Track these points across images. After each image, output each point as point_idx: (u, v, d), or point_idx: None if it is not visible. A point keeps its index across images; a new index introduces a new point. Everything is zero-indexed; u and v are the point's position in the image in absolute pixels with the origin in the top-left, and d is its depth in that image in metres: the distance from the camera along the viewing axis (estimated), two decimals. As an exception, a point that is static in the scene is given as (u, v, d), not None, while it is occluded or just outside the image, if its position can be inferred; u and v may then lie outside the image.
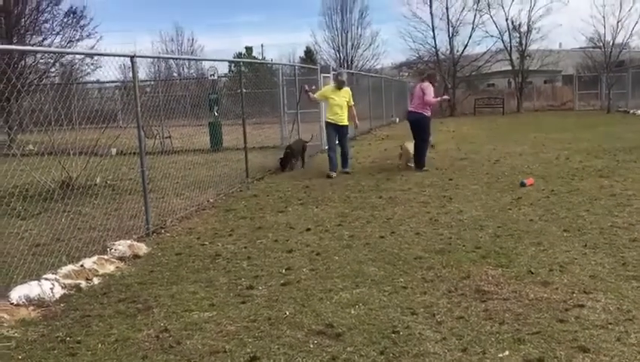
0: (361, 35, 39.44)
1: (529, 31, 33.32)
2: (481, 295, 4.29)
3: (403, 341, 3.59)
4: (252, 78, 18.72)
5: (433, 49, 34.68)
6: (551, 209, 7.00)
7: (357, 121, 11.50)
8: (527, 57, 34.02)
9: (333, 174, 10.44)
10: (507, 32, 33.52)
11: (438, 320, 3.89)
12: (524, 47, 33.71)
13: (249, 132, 11.00)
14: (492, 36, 33.91)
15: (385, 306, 4.19)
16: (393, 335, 3.69)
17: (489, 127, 21.45)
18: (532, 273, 4.71)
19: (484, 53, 34.52)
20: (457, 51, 34.51)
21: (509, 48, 33.74)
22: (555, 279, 4.55)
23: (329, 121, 10.85)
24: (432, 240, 5.88)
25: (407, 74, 40.23)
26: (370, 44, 39.55)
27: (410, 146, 11.05)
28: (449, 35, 34.22)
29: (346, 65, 37.45)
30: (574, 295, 4.20)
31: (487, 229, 6.21)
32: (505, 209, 7.15)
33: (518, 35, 33.57)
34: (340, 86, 10.85)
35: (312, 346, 3.61)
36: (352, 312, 4.11)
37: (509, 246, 5.51)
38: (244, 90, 11.14)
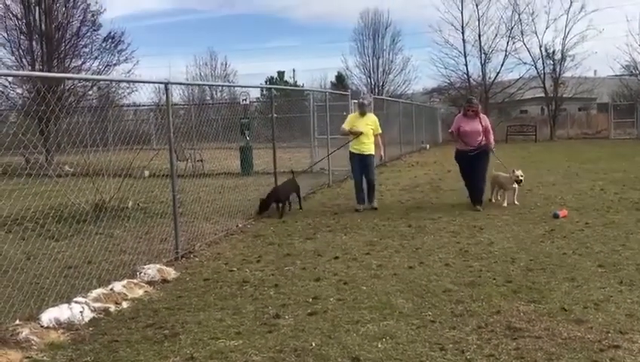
0: (392, 61, 39.61)
1: (563, 58, 32.97)
2: (513, 332, 4.19)
3: (431, 378, 3.52)
4: (283, 102, 18.94)
5: (465, 75, 34.57)
6: (585, 243, 6.83)
7: (382, 152, 10.38)
8: (561, 85, 33.63)
9: (361, 207, 9.70)
10: (541, 59, 33.25)
11: (468, 357, 3.80)
12: (557, 74, 33.35)
13: (279, 156, 11.08)
14: (525, 63, 33.66)
15: (413, 341, 4.12)
16: (422, 372, 3.62)
17: (521, 155, 21.15)
18: (565, 310, 4.58)
19: (517, 80, 34.24)
20: (489, 78, 34.34)
21: (542, 75, 33.40)
22: (589, 317, 4.42)
23: (352, 151, 9.94)
24: (461, 272, 5.79)
25: (438, 100, 40.09)
26: (401, 70, 39.68)
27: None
28: (481, 62, 34.13)
29: (377, 90, 37.56)
30: (609, 334, 4.07)
31: (518, 262, 6.09)
32: (537, 241, 7.01)
33: (551, 63, 33.26)
34: (363, 112, 9.95)
35: (337, 380, 3.56)
36: (379, 346, 4.06)
37: (542, 281, 5.38)
38: (275, 115, 11.25)
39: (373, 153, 9.94)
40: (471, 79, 34.50)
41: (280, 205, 9.28)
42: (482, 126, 9.36)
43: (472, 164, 9.37)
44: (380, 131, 10.15)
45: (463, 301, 4.91)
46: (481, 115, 9.53)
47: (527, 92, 34.70)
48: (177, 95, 37.74)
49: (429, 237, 7.43)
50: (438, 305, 4.85)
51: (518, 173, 9.49)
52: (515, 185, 9.56)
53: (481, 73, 34.28)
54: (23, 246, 7.22)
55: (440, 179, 13.91)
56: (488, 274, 5.72)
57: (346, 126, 9.96)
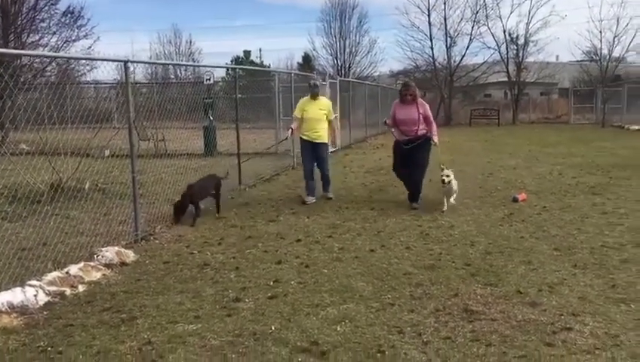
0: (359, 43, 39.52)
1: (526, 43, 33.45)
2: (469, 315, 4.25)
3: (388, 361, 3.55)
4: (248, 82, 18.70)
5: (430, 58, 34.76)
6: (542, 226, 6.98)
7: (335, 139, 9.41)
8: (524, 69, 34.16)
9: (310, 200, 8.72)
10: (504, 44, 33.64)
11: (425, 340, 3.85)
12: (520, 59, 33.83)
13: (243, 137, 10.95)
14: (489, 47, 34.03)
15: (372, 324, 4.15)
16: (378, 355, 3.65)
17: (484, 139, 21.49)
18: (521, 293, 4.68)
19: (482, 64, 34.62)
20: (454, 61, 34.61)
21: (505, 60, 33.85)
22: (543, 300, 4.52)
23: (303, 137, 9.03)
24: (421, 256, 5.85)
25: (401, 82, 40.23)
26: (367, 52, 39.63)
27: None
28: (446, 46, 34.34)
29: (343, 72, 37.47)
30: (562, 317, 4.17)
31: (478, 245, 6.18)
32: (496, 225, 7.13)
33: (515, 47, 33.69)
34: (315, 95, 8.93)
35: (295, 364, 3.57)
36: (339, 329, 4.07)
37: (499, 264, 5.48)
38: (240, 95, 11.12)
39: (326, 141, 9.09)
40: (436, 62, 34.71)
41: (194, 208, 7.62)
42: (419, 113, 8.13)
43: (409, 155, 8.19)
44: (334, 116, 9.44)
45: (422, 284, 4.97)
46: (419, 101, 8.30)
47: (490, 76, 35.12)
48: (140, 73, 37.00)
49: (391, 220, 7.48)
50: (398, 288, 4.89)
51: (444, 173, 8.00)
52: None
53: (446, 56, 34.53)
54: (-25, 228, 6.99)
55: (404, 162, 13.98)
56: (448, 257, 5.79)
57: (296, 112, 9.06)
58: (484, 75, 34.70)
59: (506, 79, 34.94)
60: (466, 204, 8.44)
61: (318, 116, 8.90)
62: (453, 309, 4.37)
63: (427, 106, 8.35)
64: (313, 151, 9.00)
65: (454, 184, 8.16)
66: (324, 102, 9.18)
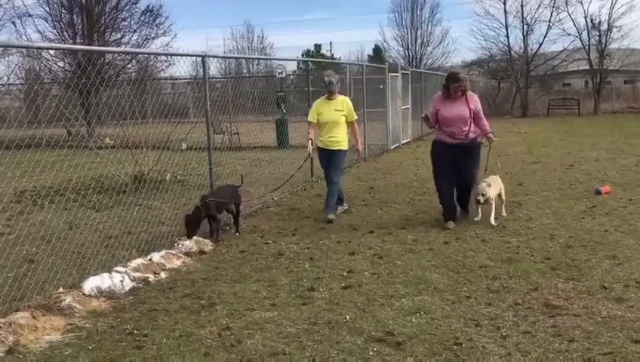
0: (431, 33, 38.80)
1: (609, 29, 31.75)
2: (550, 309, 4.12)
3: (465, 354, 3.50)
4: (320, 76, 18.78)
5: (506, 47, 33.68)
6: (628, 219, 6.64)
7: (360, 146, 7.93)
8: (607, 57, 32.48)
9: (333, 216, 7.24)
10: (586, 30, 32.11)
11: (503, 334, 3.76)
12: (603, 45, 32.18)
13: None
14: (569, 34, 32.55)
15: (447, 316, 4.10)
16: (455, 347, 3.60)
17: (563, 129, 20.62)
18: (605, 288, 4.48)
19: (561, 52, 33.19)
20: (531, 50, 33.37)
21: (587, 47, 32.31)
22: (630, 296, 4.31)
23: (319, 145, 7.63)
24: (498, 248, 5.71)
25: (477, 73, 39.24)
26: (440, 42, 38.89)
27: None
28: (523, 34, 33.10)
29: (414, 63, 36.97)
30: (651, 315, 3.97)
31: (558, 239, 5.97)
32: (578, 218, 6.85)
33: (597, 33, 32.08)
34: (331, 93, 7.47)
35: (371, 353, 3.58)
36: (414, 320, 4.05)
37: (581, 259, 5.27)
38: (312, 89, 11.20)
39: (343, 148, 7.56)
40: (512, 51, 33.60)
41: (214, 223, 6.53)
42: (470, 110, 6.57)
43: (456, 161, 6.64)
44: (356, 117, 7.74)
45: (499, 277, 4.85)
46: (470, 95, 6.64)
47: (570, 64, 33.65)
48: (215, 68, 37.91)
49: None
50: (474, 281, 4.81)
51: (480, 187, 6.58)
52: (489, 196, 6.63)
53: (522, 45, 33.34)
54: (66, 217, 7.43)
55: (478, 154, 13.66)
56: (526, 250, 5.62)
57: (310, 117, 7.59)
58: (563, 64, 33.29)
59: (587, 67, 33.36)
60: (545, 197, 8.15)
61: (335, 118, 7.43)
62: (532, 303, 4.25)
63: (478, 100, 6.75)
64: (328, 160, 7.57)
65: (494, 194, 6.68)
66: (341, 101, 7.55)
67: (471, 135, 6.66)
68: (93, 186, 8.58)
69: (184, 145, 13.13)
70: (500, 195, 6.95)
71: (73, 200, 8.17)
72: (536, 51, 33.33)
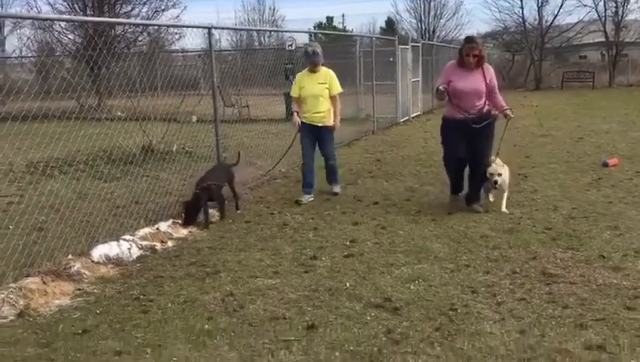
0: (444, 5, 38.28)
1: (626, 0, 31.15)
2: (547, 278, 4.18)
3: (460, 319, 3.59)
4: (330, 48, 18.64)
5: (520, 19, 33.19)
6: (633, 191, 6.65)
7: (335, 122, 7.17)
8: (623, 28, 31.90)
9: (305, 199, 6.86)
10: (602, 1, 31.51)
11: (499, 300, 3.84)
12: (620, 17, 31.60)
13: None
14: (585, 5, 31.98)
15: (445, 283, 4.18)
16: (451, 312, 3.68)
17: (576, 102, 20.41)
18: (604, 257, 4.53)
19: (576, 23, 32.64)
20: (546, 21, 32.86)
21: (603, 18, 31.75)
22: (628, 265, 4.36)
23: (303, 120, 7.07)
24: (500, 219, 5.76)
25: (491, 45, 38.74)
26: (453, 14, 38.34)
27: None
28: (538, 5, 32.58)
29: (427, 35, 36.55)
30: (647, 283, 4.02)
31: (561, 210, 6.00)
32: (583, 190, 6.86)
33: (614, 5, 31.49)
34: (313, 65, 6.99)
35: (368, 318, 3.67)
36: (412, 288, 4.13)
37: (583, 229, 5.31)
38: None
39: (330, 123, 7.12)
40: (526, 23, 33.12)
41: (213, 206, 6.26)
42: (486, 82, 5.92)
43: (469, 140, 5.99)
44: (340, 90, 7.18)
45: (499, 247, 4.91)
46: (486, 66, 6.00)
47: (586, 36, 33.12)
48: (225, 41, 37.79)
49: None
50: (474, 250, 4.87)
51: (492, 170, 5.97)
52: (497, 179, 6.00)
53: (537, 16, 32.83)
54: (75, 186, 7.55)
55: (487, 127, 13.60)
56: (528, 221, 5.67)
57: (293, 92, 7.17)
58: (578, 36, 32.77)
59: (602, 39, 32.83)
60: (552, 169, 8.15)
61: (318, 92, 6.94)
62: (530, 272, 4.32)
63: (494, 73, 6.09)
64: (314, 137, 7.10)
65: (506, 180, 6.11)
66: (324, 73, 7.05)
67: (484, 110, 5.98)
68: (101, 157, 8.70)
69: (194, 118, 13.20)
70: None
71: (82, 171, 8.30)
72: (551, 23, 32.82)
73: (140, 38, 22.49)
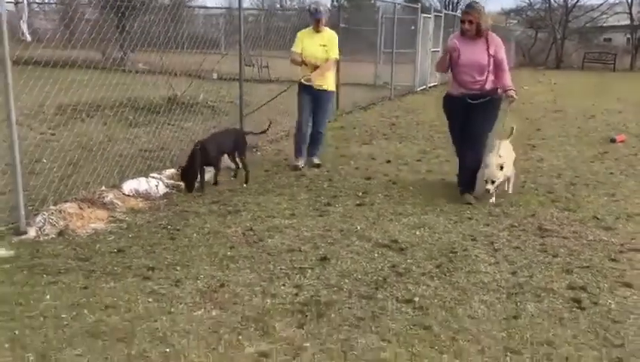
0: (469, -23, 37.79)
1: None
2: (542, 232, 4.54)
3: (459, 259, 3.96)
4: (353, 13, 18.75)
5: (545, -4, 32.86)
6: (635, 165, 6.94)
7: (315, 76, 6.47)
8: (650, 11, 31.52)
9: (301, 163, 6.62)
10: (629, -18, 31.09)
11: (496, 247, 4.21)
12: (647, -1, 31.21)
13: (344, 68, 11.28)
14: (612, -15, 31.59)
15: (448, 231, 4.55)
16: (451, 254, 4.06)
17: (594, 83, 20.44)
18: (598, 218, 4.87)
19: (601, 4, 32.32)
20: (571, 0, 32.51)
21: (629, 0, 31.35)
22: (619, 226, 4.70)
23: (302, 82, 6.60)
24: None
25: (515, 21, 38.35)
26: (478, -13, 37.86)
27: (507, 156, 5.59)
28: (564, -18, 32.24)
29: (451, 7, 36.24)
30: (633, 241, 4.36)
31: (564, 178, 6.32)
32: (587, 161, 7.16)
33: (641, -14, 31.06)
34: (317, 25, 6.52)
35: (376, 255, 4.06)
36: (417, 233, 4.50)
37: (582, 194, 5.63)
38: (343, 26, 11.39)
39: (331, 88, 6.75)
40: (551, 0, 32.79)
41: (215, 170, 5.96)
42: (490, 55, 5.27)
43: (468, 119, 5.39)
44: (337, 57, 6.69)
45: (501, 205, 5.25)
46: (491, 37, 5.33)
47: (611, 18, 32.79)
48: (248, 2, 37.71)
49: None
50: (478, 206, 5.21)
51: (489, 171, 5.26)
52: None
53: (563, -6, 32.48)
54: (104, 130, 7.95)
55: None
56: (532, 185, 5.99)
57: (295, 47, 6.65)
58: (603, 17, 32.43)
59: (627, 22, 32.47)
60: (561, 142, 8.43)
61: (319, 54, 6.50)
62: (527, 226, 4.67)
63: (502, 46, 5.41)
64: (311, 99, 6.64)
65: (510, 166, 5.54)
66: (328, 35, 6.61)
67: (487, 87, 5.33)
68: (126, 105, 9.06)
69: (215, 75, 13.50)
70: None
71: (110, 116, 8.68)
72: (577, 1, 32.48)
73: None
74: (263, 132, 6.73)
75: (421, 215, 4.96)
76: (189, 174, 5.60)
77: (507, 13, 38.49)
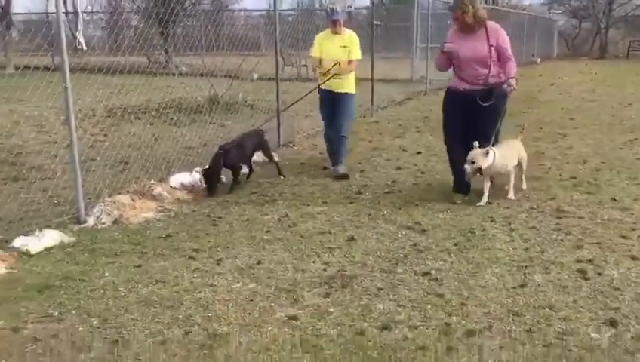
0: (509, -31, 37.40)
1: None
2: (559, 213, 4.79)
3: (476, 238, 4.27)
4: (389, 10, 18.97)
5: (588, -16, 32.23)
6: (664, 152, 7.05)
7: (337, 68, 6.18)
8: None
9: (339, 170, 6.30)
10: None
11: (513, 227, 4.49)
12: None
13: (378, 64, 11.60)
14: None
15: (469, 214, 4.84)
16: (469, 234, 4.37)
17: (637, 72, 20.10)
18: (615, 200, 5.08)
19: (647, -10, 31.47)
20: (615, -13, 31.82)
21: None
22: (635, 207, 4.90)
23: (322, 86, 6.40)
24: (530, 169, 6.23)
25: (559, 11, 37.72)
26: (518, -21, 37.43)
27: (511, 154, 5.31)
28: (607, -31, 31.57)
29: (490, 0, 35.91)
30: (647, 220, 4.56)
31: (590, 163, 6.50)
32: (616, 148, 7.29)
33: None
34: (334, 26, 6.26)
35: (400, 236, 4.40)
36: (440, 216, 4.82)
37: (604, 179, 5.82)
38: (378, 23, 11.70)
39: (351, 91, 6.43)
40: (594, -12, 32.15)
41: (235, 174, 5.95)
42: (491, 46, 5.02)
43: (470, 116, 5.13)
44: (359, 57, 6.39)
45: (523, 190, 5.48)
46: (491, 27, 5.08)
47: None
48: (286, 3, 38.29)
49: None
50: (500, 193, 5.44)
51: (472, 153, 4.99)
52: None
53: (605, -18, 31.80)
54: (150, 130, 8.50)
55: (539, 92, 13.85)
56: (557, 171, 6.20)
57: (314, 51, 6.40)
58: (649, 3, 31.60)
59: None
60: (592, 130, 8.55)
61: (339, 56, 6.23)
62: (545, 209, 4.92)
63: (504, 35, 5.12)
64: (332, 104, 6.41)
65: (508, 164, 5.16)
66: (348, 36, 6.34)
67: (491, 80, 5.05)
68: (171, 106, 9.61)
69: (255, 75, 14.00)
70: (519, 164, 5.42)
71: (155, 117, 9.24)
72: (621, -11, 31.77)
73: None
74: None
75: (445, 201, 5.26)
76: (211, 177, 5.71)
77: (549, 3, 37.92)
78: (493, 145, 5.07)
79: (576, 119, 9.53)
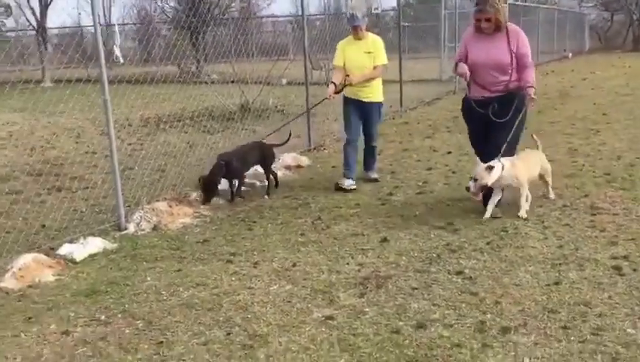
0: (537, -37, 36.88)
1: None
2: (593, 210, 4.77)
3: (509, 237, 4.29)
4: (417, 10, 18.96)
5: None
6: (701, 144, 6.92)
7: (359, 77, 5.95)
8: None
9: (347, 184, 5.94)
10: None
11: (546, 225, 4.49)
12: None
13: (407, 65, 11.63)
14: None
15: (502, 213, 4.85)
16: (502, 233, 4.39)
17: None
18: (651, 196, 5.04)
19: (682, -21, 30.68)
20: (648, -23, 31.10)
21: None
22: (672, 202, 4.85)
23: (346, 95, 6.17)
24: (564, 166, 6.27)
25: (591, 4, 37.01)
26: (547, -28, 36.87)
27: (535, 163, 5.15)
28: (639, -40, 30.88)
29: (518, -4, 35.45)
30: (684, 215, 4.52)
31: (624, 159, 6.43)
32: (651, 142, 7.20)
33: None
34: (355, 32, 6.00)
35: (432, 236, 4.45)
36: (472, 216, 4.85)
37: (639, 175, 5.75)
38: (406, 24, 11.73)
39: (379, 100, 6.21)
40: (626, -20, 31.47)
41: (234, 184, 5.86)
42: (512, 51, 4.70)
43: (490, 124, 4.83)
44: (385, 62, 6.12)
45: (556, 187, 5.46)
46: (512, 30, 4.75)
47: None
48: (314, 6, 38.49)
49: (544, 139, 7.77)
50: (533, 190, 5.41)
51: (476, 169, 4.77)
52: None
53: (638, -28, 31.11)
54: (185, 138, 8.70)
55: (572, 87, 13.68)
56: (590, 168, 6.16)
57: (336, 61, 6.14)
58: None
59: None
60: (626, 125, 8.44)
61: (364, 63, 5.98)
62: (579, 206, 4.91)
63: (524, 38, 4.79)
64: (360, 115, 6.17)
65: (524, 178, 4.82)
66: (372, 41, 6.07)
67: (512, 86, 4.77)
68: (204, 114, 9.81)
69: (284, 81, 14.17)
70: (542, 176, 5.17)
71: (189, 125, 9.45)
72: (653, -20, 31.04)
73: (232, 5, 23.66)
74: (285, 142, 6.57)
75: (478, 201, 5.27)
76: (210, 186, 5.62)
77: (581, -2, 37.22)
78: (511, 155, 4.79)
79: (610, 114, 9.40)
